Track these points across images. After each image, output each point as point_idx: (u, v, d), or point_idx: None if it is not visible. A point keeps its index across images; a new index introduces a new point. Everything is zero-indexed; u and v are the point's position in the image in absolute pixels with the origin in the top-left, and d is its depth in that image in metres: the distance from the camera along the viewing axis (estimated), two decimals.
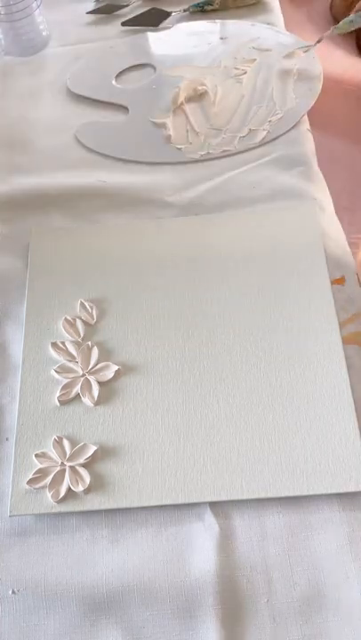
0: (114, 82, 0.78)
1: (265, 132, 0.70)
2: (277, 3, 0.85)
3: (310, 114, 0.73)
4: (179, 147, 0.71)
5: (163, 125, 0.73)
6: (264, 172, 0.67)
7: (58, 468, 0.51)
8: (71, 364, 0.56)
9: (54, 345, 0.57)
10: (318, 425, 0.51)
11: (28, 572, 0.48)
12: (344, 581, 0.46)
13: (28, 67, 0.81)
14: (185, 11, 0.84)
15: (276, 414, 0.52)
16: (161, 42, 0.82)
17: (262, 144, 0.70)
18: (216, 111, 0.73)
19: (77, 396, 0.54)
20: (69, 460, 0.51)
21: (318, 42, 0.75)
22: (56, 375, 0.55)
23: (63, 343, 0.57)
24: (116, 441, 0.52)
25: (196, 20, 0.83)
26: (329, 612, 0.45)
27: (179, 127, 0.73)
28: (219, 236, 0.62)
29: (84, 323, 0.58)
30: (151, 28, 0.83)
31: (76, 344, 0.57)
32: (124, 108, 0.76)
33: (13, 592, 0.47)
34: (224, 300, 0.58)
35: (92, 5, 0.87)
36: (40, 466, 0.51)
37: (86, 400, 0.54)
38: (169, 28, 0.83)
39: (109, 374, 0.55)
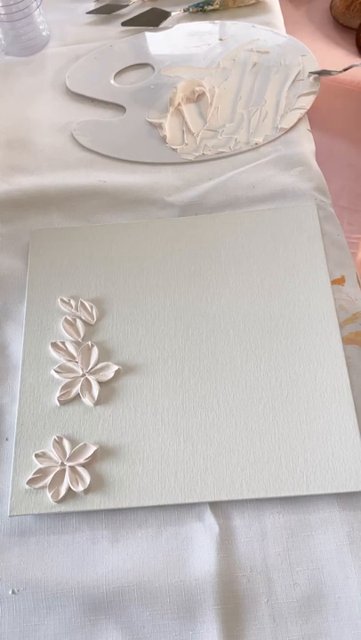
0: (112, 81, 0.78)
1: (262, 134, 0.70)
2: (277, 3, 0.85)
3: (310, 114, 0.73)
4: (174, 147, 0.71)
5: (159, 126, 0.73)
6: (264, 172, 0.67)
7: (58, 468, 0.51)
8: (71, 364, 0.56)
9: (54, 345, 0.57)
10: (318, 425, 0.51)
11: (28, 572, 0.48)
12: (344, 581, 0.46)
13: (28, 67, 0.81)
14: (185, 11, 0.84)
15: (276, 414, 0.52)
16: (160, 42, 0.82)
17: (257, 147, 0.70)
18: (213, 112, 0.73)
19: (77, 396, 0.54)
20: (69, 460, 0.51)
21: (346, 69, 0.74)
22: (56, 375, 0.55)
23: (63, 343, 0.57)
24: (116, 441, 0.52)
25: (196, 20, 0.83)
26: (329, 612, 0.45)
27: (175, 128, 0.73)
28: (219, 235, 0.62)
29: (84, 323, 0.58)
30: (151, 28, 0.83)
31: (76, 344, 0.57)
32: (121, 108, 0.76)
33: (13, 592, 0.47)
34: (224, 300, 0.58)
35: (92, 5, 0.87)
36: (40, 466, 0.51)
37: (86, 400, 0.54)
38: (169, 28, 0.83)
39: (109, 374, 0.55)
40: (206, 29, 0.82)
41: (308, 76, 0.75)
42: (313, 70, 0.74)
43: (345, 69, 0.72)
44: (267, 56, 0.78)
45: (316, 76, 0.75)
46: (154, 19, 0.83)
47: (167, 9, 0.84)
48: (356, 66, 0.73)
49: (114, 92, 0.77)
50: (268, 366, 0.54)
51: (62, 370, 0.55)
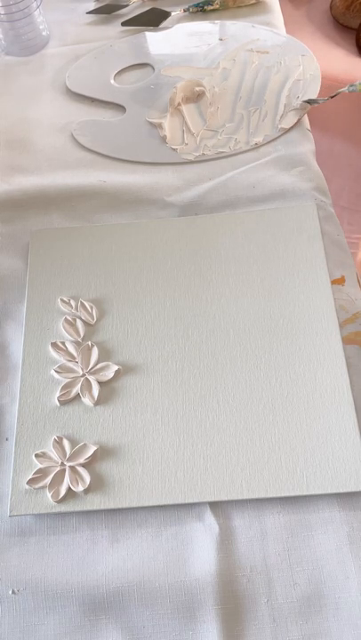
0: (112, 81, 0.78)
1: (262, 134, 0.70)
2: (277, 3, 0.85)
3: (310, 114, 0.73)
4: (174, 147, 0.71)
5: (159, 126, 0.73)
6: (264, 171, 0.67)
7: (58, 468, 0.51)
8: (71, 364, 0.56)
9: (54, 345, 0.57)
10: (318, 425, 0.51)
11: (28, 572, 0.48)
12: (344, 581, 0.46)
13: (28, 67, 0.81)
14: (185, 11, 0.84)
15: (276, 414, 0.52)
16: (160, 42, 0.82)
17: (257, 147, 0.70)
18: (213, 112, 0.73)
19: (77, 396, 0.54)
20: (69, 459, 0.51)
21: (333, 97, 0.74)
22: (56, 375, 0.55)
23: (63, 343, 0.57)
24: (116, 441, 0.52)
25: (196, 20, 0.84)
26: (329, 612, 0.45)
27: (174, 128, 0.73)
28: (219, 235, 0.62)
29: (84, 323, 0.58)
30: (151, 28, 0.83)
31: (76, 344, 0.57)
32: (121, 108, 0.76)
33: (13, 592, 0.47)
34: (224, 300, 0.58)
35: (92, 5, 0.87)
36: (40, 466, 0.51)
37: (86, 400, 0.54)
38: (169, 28, 0.83)
39: (109, 374, 0.55)
40: (206, 29, 0.82)
41: (308, 76, 0.74)
42: (304, 99, 0.73)
43: (332, 97, 0.72)
44: (267, 56, 0.78)
45: (316, 75, 0.75)
46: (154, 19, 0.83)
47: (167, 9, 0.84)
48: (343, 91, 0.72)
49: (114, 91, 0.77)
50: (268, 366, 0.54)
51: (62, 370, 0.55)
